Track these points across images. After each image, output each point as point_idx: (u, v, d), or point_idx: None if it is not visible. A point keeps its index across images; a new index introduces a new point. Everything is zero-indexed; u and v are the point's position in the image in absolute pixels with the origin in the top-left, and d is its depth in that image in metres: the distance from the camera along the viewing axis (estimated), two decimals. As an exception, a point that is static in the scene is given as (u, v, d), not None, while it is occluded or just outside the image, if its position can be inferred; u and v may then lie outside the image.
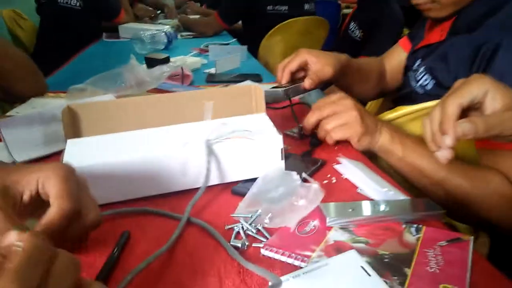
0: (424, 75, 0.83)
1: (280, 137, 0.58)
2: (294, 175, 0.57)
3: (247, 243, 0.47)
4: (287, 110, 0.88)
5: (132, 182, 0.55)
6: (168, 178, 0.56)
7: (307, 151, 0.72)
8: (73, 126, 0.64)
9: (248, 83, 1.22)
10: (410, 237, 0.48)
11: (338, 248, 0.46)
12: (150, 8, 2.90)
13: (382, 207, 0.52)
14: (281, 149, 0.59)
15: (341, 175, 0.64)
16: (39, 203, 0.38)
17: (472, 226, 0.72)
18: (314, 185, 0.55)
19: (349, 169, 0.64)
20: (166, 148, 0.56)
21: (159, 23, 2.53)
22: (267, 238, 0.48)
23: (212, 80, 1.29)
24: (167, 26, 2.07)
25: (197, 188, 0.57)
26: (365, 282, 0.40)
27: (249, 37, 2.33)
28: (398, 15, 2.11)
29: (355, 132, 0.69)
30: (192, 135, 0.60)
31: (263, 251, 0.46)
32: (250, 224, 0.50)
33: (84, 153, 0.56)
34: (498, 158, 0.64)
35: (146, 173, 0.55)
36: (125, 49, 1.89)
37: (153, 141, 0.59)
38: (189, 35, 2.30)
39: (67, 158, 0.55)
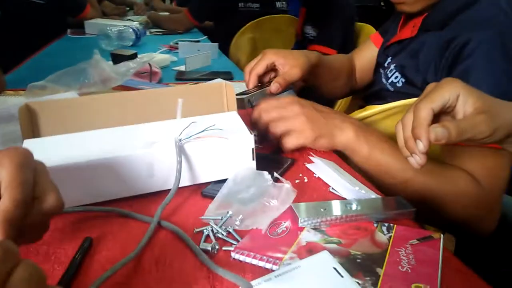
0: (394, 72, 0.83)
1: (251, 137, 0.57)
2: (266, 174, 0.56)
3: (217, 247, 0.45)
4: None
5: (94, 185, 0.52)
6: (133, 180, 0.53)
7: (276, 149, 0.70)
8: (32, 126, 0.61)
9: (218, 81, 1.20)
10: (381, 236, 0.48)
11: (310, 249, 0.45)
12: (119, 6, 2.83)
13: (354, 206, 0.51)
14: (253, 149, 0.57)
15: (313, 174, 0.63)
16: None
17: (438, 228, 0.72)
18: (286, 185, 0.54)
19: (321, 168, 0.63)
20: (131, 148, 0.54)
21: (128, 20, 2.46)
22: (238, 241, 0.47)
23: (181, 77, 1.27)
24: (135, 22, 2.02)
25: (165, 191, 0.55)
26: (337, 283, 0.40)
27: (220, 34, 2.31)
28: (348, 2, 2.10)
29: (307, 138, 0.67)
30: (160, 134, 0.57)
31: (233, 255, 0.44)
32: (220, 227, 0.48)
33: (41, 154, 0.52)
34: (464, 156, 0.65)
35: (109, 175, 0.52)
36: (90, 46, 1.81)
37: (117, 141, 0.56)
38: (158, 31, 2.25)
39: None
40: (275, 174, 0.57)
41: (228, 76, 1.29)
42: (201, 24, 2.31)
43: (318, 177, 0.62)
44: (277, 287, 0.39)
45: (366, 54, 1.09)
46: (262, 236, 0.48)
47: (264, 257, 0.43)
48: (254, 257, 0.43)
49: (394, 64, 0.84)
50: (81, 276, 0.41)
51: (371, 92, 0.94)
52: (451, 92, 0.48)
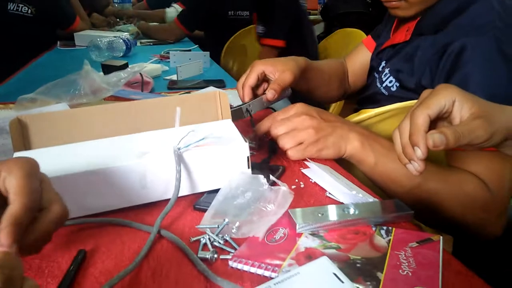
0: (389, 76, 0.83)
1: (246, 145, 0.56)
2: (261, 178, 0.55)
3: (215, 255, 0.44)
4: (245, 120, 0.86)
5: (86, 197, 0.51)
6: (127, 191, 0.53)
7: (266, 158, 0.70)
8: (23, 139, 0.60)
9: (211, 89, 1.20)
10: (380, 240, 0.47)
11: (309, 255, 0.44)
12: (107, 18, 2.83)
13: (352, 211, 0.51)
14: (248, 157, 0.57)
15: (309, 179, 0.63)
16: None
17: (442, 230, 0.72)
18: (283, 188, 0.53)
19: (317, 173, 0.63)
20: (123, 159, 0.53)
21: (117, 30, 2.46)
22: (235, 249, 0.46)
23: (173, 87, 1.26)
24: (126, 33, 2.01)
25: (158, 202, 0.54)
26: (338, 289, 0.39)
27: (210, 43, 2.31)
28: None
29: (312, 150, 0.67)
30: (153, 144, 0.57)
31: (231, 263, 0.44)
32: (217, 235, 0.48)
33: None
34: (471, 160, 0.65)
35: (102, 187, 0.51)
36: (81, 57, 1.79)
37: (110, 152, 0.55)
38: (149, 42, 2.24)
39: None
40: (272, 178, 0.57)
41: (220, 84, 1.29)
42: (192, 33, 2.30)
43: (315, 182, 0.62)
44: (277, 295, 0.38)
45: (358, 58, 1.09)
46: (260, 243, 0.47)
47: (263, 265, 0.43)
48: (253, 265, 0.43)
49: (389, 68, 0.84)
50: (75, 291, 0.40)
51: (365, 96, 0.94)
52: (447, 98, 0.48)
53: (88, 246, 0.47)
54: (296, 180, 0.63)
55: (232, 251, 0.46)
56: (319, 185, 0.61)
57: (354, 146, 0.67)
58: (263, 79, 0.83)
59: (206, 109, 0.68)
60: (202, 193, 0.57)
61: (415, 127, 0.48)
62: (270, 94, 0.77)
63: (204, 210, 0.52)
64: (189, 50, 1.92)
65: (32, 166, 0.36)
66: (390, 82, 0.83)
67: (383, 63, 0.89)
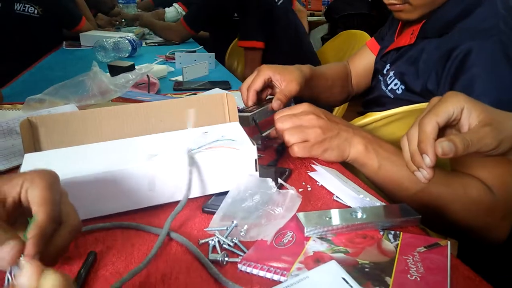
0: (394, 79, 0.83)
1: (254, 148, 0.57)
2: (270, 181, 0.55)
3: (226, 258, 0.44)
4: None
5: (96, 199, 0.52)
6: (136, 193, 0.53)
7: (273, 160, 0.70)
8: (33, 140, 0.60)
9: (216, 90, 1.21)
10: (388, 244, 0.47)
11: (318, 259, 0.45)
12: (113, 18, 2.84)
13: (359, 215, 0.51)
14: (255, 159, 0.57)
15: (316, 182, 0.63)
16: (18, 212, 0.36)
17: (446, 235, 0.72)
18: (291, 191, 0.53)
19: (324, 176, 0.63)
20: (133, 161, 0.53)
21: (123, 31, 2.47)
22: (244, 252, 0.46)
23: (179, 88, 1.26)
24: (131, 34, 2.02)
25: (166, 204, 0.54)
26: (347, 293, 0.39)
27: (215, 44, 2.31)
28: None
29: (318, 150, 0.67)
30: (162, 146, 0.57)
31: (240, 266, 0.44)
32: (226, 238, 0.48)
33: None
34: (475, 164, 0.65)
35: (111, 189, 0.52)
36: (87, 58, 1.82)
37: (119, 154, 0.56)
38: (154, 42, 2.25)
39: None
40: (280, 181, 0.57)
41: (226, 85, 1.29)
42: (197, 33, 2.31)
43: (322, 185, 0.62)
44: (286, 299, 0.38)
45: (362, 61, 1.09)
46: (268, 246, 0.47)
47: (272, 269, 0.43)
48: (262, 269, 0.43)
49: (393, 71, 0.84)
50: (87, 292, 0.41)
51: (370, 98, 0.94)
52: (455, 106, 0.48)
53: (97, 248, 0.47)
54: (303, 183, 0.63)
55: (241, 254, 0.46)
56: (326, 189, 0.61)
57: (358, 149, 0.67)
58: (268, 84, 0.83)
59: (213, 112, 0.69)
60: (210, 196, 0.57)
61: (424, 135, 0.48)
62: (276, 104, 0.78)
63: (213, 213, 0.53)
64: (194, 51, 1.93)
65: (53, 178, 0.37)
66: (395, 85, 0.83)
67: (387, 66, 0.89)
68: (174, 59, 1.63)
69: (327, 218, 0.51)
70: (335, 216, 0.51)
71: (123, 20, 2.77)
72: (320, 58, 2.06)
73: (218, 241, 0.48)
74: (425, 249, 0.46)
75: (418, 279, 0.41)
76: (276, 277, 0.42)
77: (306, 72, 0.87)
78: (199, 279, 0.43)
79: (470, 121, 0.48)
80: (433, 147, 0.47)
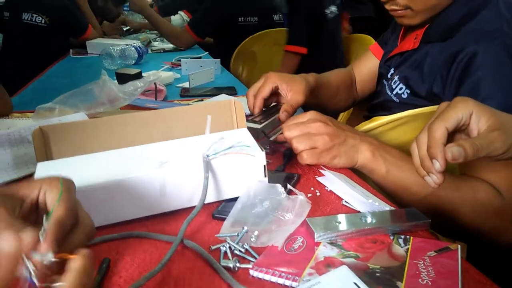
0: (398, 84, 0.83)
1: (263, 154, 0.57)
2: (279, 187, 0.56)
3: (238, 264, 0.45)
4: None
5: (106, 206, 0.52)
6: (148, 200, 0.54)
7: (281, 165, 0.71)
8: (45, 148, 0.61)
9: (223, 96, 1.21)
10: (399, 249, 0.48)
11: (329, 264, 0.45)
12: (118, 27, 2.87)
13: (369, 219, 0.51)
14: (264, 165, 0.58)
15: (325, 187, 0.63)
16: (34, 216, 0.37)
17: (454, 238, 0.72)
18: (300, 197, 0.54)
19: (333, 181, 0.63)
20: (144, 168, 0.54)
21: (130, 38, 2.50)
22: (255, 258, 0.47)
23: (186, 94, 1.28)
24: (137, 41, 2.04)
25: (178, 210, 0.55)
26: (359, 298, 0.39)
27: (220, 49, 2.32)
28: None
29: (326, 157, 0.67)
30: (173, 153, 0.58)
31: (252, 272, 0.44)
32: (237, 243, 0.48)
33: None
34: (483, 167, 0.65)
35: (123, 196, 0.52)
36: (93, 65, 1.84)
37: (130, 162, 0.57)
38: (160, 49, 2.27)
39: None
40: (289, 186, 0.57)
41: (232, 91, 1.30)
42: (203, 40, 2.32)
43: (330, 190, 0.62)
44: (298, 304, 0.39)
45: (366, 66, 1.09)
46: (279, 252, 0.48)
47: (283, 274, 0.43)
48: (273, 274, 0.43)
49: (398, 76, 0.84)
50: (101, 299, 0.41)
51: (375, 103, 0.95)
52: (464, 111, 0.49)
53: (111, 256, 0.48)
54: (312, 188, 0.63)
55: (252, 259, 0.46)
56: (335, 194, 0.61)
57: (366, 156, 0.68)
58: (274, 92, 0.84)
59: (221, 118, 0.69)
60: (220, 202, 0.58)
61: (433, 140, 0.48)
62: (283, 116, 0.79)
63: (223, 219, 0.53)
64: (200, 57, 1.94)
65: (70, 183, 0.38)
66: (401, 89, 0.83)
67: (391, 71, 0.90)
68: (180, 65, 1.64)
69: (337, 223, 0.51)
70: (345, 221, 0.52)
71: (127, 28, 2.80)
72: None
73: (229, 247, 0.48)
74: (435, 253, 0.46)
75: (430, 283, 0.42)
76: (288, 283, 0.43)
77: (311, 81, 0.88)
78: (212, 284, 0.43)
79: (479, 126, 0.48)
80: (443, 152, 0.47)
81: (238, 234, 0.50)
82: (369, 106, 0.99)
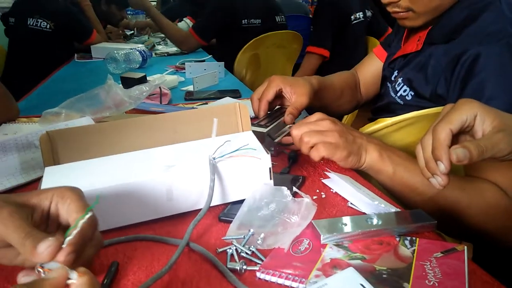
0: (402, 86, 0.84)
1: (268, 156, 0.58)
2: (285, 190, 0.56)
3: (244, 266, 0.45)
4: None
5: (113, 210, 0.53)
6: (155, 203, 0.54)
7: (285, 168, 0.71)
8: (52, 153, 0.62)
9: (227, 99, 1.22)
10: (405, 250, 0.48)
11: (335, 266, 0.45)
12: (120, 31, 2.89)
13: (375, 221, 0.52)
14: (270, 168, 0.58)
15: (330, 189, 0.64)
16: (44, 225, 0.38)
17: (460, 239, 0.72)
18: (306, 200, 0.54)
19: (338, 183, 0.63)
20: (151, 172, 0.54)
21: (134, 42, 2.51)
22: (262, 260, 0.47)
23: (190, 98, 1.28)
24: (141, 45, 2.05)
25: (184, 213, 0.55)
26: (366, 300, 0.39)
27: (223, 52, 2.33)
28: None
29: (341, 154, 0.65)
30: (179, 157, 0.58)
31: (259, 274, 0.45)
32: (243, 246, 0.49)
33: (63, 182, 0.53)
34: (489, 168, 0.65)
35: (130, 200, 0.53)
36: (98, 69, 1.86)
37: (136, 165, 0.57)
38: (163, 53, 2.28)
39: (45, 187, 0.52)
40: (294, 189, 0.58)
41: (236, 94, 1.30)
42: (208, 43, 2.32)
43: (336, 192, 0.63)
44: (305, 306, 0.39)
45: (370, 68, 1.10)
46: (285, 254, 0.48)
47: (290, 276, 0.44)
48: (280, 276, 0.44)
49: (401, 78, 0.85)
50: (110, 302, 0.42)
51: (380, 106, 0.95)
52: (468, 113, 0.49)
53: (118, 259, 0.48)
54: (317, 190, 0.64)
55: (259, 262, 0.47)
56: (340, 195, 0.62)
57: (373, 156, 0.67)
58: (278, 95, 0.84)
59: (226, 121, 0.70)
60: (225, 205, 0.58)
61: (438, 142, 0.48)
62: (289, 119, 0.79)
63: (229, 222, 0.54)
64: (203, 61, 1.95)
65: (81, 192, 0.39)
66: (405, 91, 0.83)
67: (395, 73, 0.90)
68: (184, 69, 1.65)
69: (343, 225, 0.51)
70: (351, 223, 0.52)
71: (132, 31, 2.82)
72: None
73: (236, 250, 0.48)
74: (442, 254, 0.46)
75: (436, 284, 0.42)
76: (294, 285, 0.43)
77: (315, 83, 0.88)
78: (219, 287, 0.44)
79: (483, 127, 0.49)
80: (447, 154, 0.47)
81: (244, 236, 0.50)
82: (373, 109, 1.00)
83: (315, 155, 0.65)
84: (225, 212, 0.57)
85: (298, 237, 0.50)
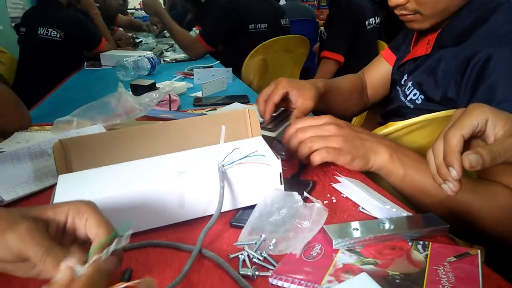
0: (412, 90, 0.83)
1: (278, 161, 0.58)
2: (296, 195, 0.56)
3: (257, 272, 0.45)
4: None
5: (129, 216, 0.53)
6: (167, 210, 0.54)
7: (296, 173, 0.71)
8: (65, 161, 0.63)
9: (236, 105, 1.22)
10: (418, 255, 0.48)
11: (348, 271, 0.45)
12: (129, 35, 2.92)
13: (387, 226, 0.51)
14: (280, 173, 0.58)
15: (341, 194, 0.64)
16: (59, 238, 0.39)
17: (473, 242, 0.71)
18: (317, 205, 0.54)
19: (349, 188, 0.63)
20: (162, 179, 0.55)
21: (141, 49, 2.54)
22: (274, 266, 0.47)
23: (199, 104, 1.29)
24: (149, 52, 2.07)
25: (196, 219, 0.56)
26: (379, 305, 0.39)
27: (230, 57, 2.34)
28: (351, 3, 2.14)
29: (347, 157, 0.66)
30: (191, 163, 0.59)
31: (271, 280, 0.45)
32: (255, 252, 0.49)
33: (77, 189, 0.54)
34: (501, 171, 0.64)
35: (142, 207, 0.53)
36: (107, 77, 1.88)
37: (148, 172, 0.58)
38: (171, 60, 2.30)
39: (59, 194, 0.53)
40: (305, 194, 0.58)
41: (244, 99, 1.31)
42: (215, 49, 2.34)
43: (347, 197, 0.62)
44: (318, 312, 0.39)
45: (378, 71, 1.09)
46: (297, 260, 0.48)
47: (303, 282, 0.44)
48: (293, 282, 0.44)
49: (411, 82, 0.84)
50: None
51: (390, 109, 0.95)
52: (479, 118, 0.48)
53: (131, 265, 0.49)
54: (328, 195, 0.64)
55: (271, 267, 0.47)
56: (351, 200, 0.62)
57: (383, 158, 0.67)
58: (284, 97, 0.85)
59: (236, 127, 0.70)
60: (237, 210, 0.59)
61: (449, 148, 0.48)
62: None
63: (241, 227, 0.54)
64: (211, 67, 1.96)
65: (95, 205, 0.40)
66: (415, 95, 0.83)
67: (405, 77, 0.90)
68: (193, 75, 1.66)
69: (355, 230, 0.51)
70: (363, 227, 0.52)
71: (139, 40, 2.84)
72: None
73: (248, 255, 0.49)
74: (455, 258, 0.46)
75: (450, 289, 0.41)
76: (307, 290, 0.43)
77: (321, 87, 0.89)
78: (232, 293, 0.44)
79: (495, 132, 0.48)
80: (459, 160, 0.47)
81: (256, 242, 0.50)
82: (383, 113, 0.99)
83: (317, 159, 0.66)
84: (236, 218, 0.57)
85: (310, 242, 0.50)
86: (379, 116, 1.02)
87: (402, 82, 0.89)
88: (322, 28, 2.41)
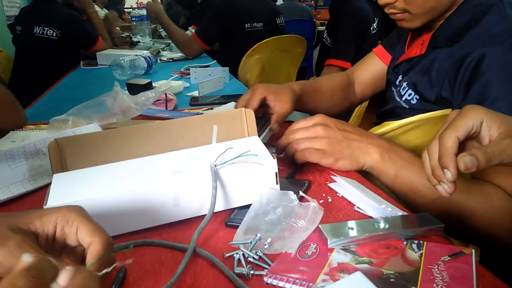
0: (407, 90, 0.84)
1: (274, 161, 0.58)
2: (291, 194, 0.56)
3: (252, 271, 0.45)
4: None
5: (120, 216, 0.53)
6: (161, 209, 0.54)
7: (291, 172, 0.71)
8: (60, 160, 0.62)
9: (232, 104, 1.22)
10: (412, 254, 0.48)
11: (342, 270, 0.45)
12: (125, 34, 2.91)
13: (382, 225, 0.51)
14: (276, 173, 0.58)
15: (336, 193, 0.64)
16: (48, 248, 0.38)
17: (466, 242, 0.71)
18: (313, 204, 0.54)
19: (344, 187, 0.63)
20: (157, 178, 0.55)
21: (138, 48, 2.53)
22: (269, 265, 0.47)
23: (196, 103, 1.29)
24: (146, 51, 2.07)
25: (191, 219, 0.56)
26: (374, 304, 0.39)
27: (227, 57, 2.34)
28: (359, 10, 2.15)
29: (329, 159, 0.68)
30: (186, 163, 0.59)
31: (266, 279, 0.45)
32: (250, 251, 0.49)
33: (71, 188, 0.54)
34: (495, 171, 0.64)
35: (137, 206, 0.53)
36: (104, 76, 1.87)
37: (143, 172, 0.58)
38: (168, 59, 2.30)
39: (53, 194, 0.53)
40: (301, 193, 0.58)
41: (241, 99, 1.31)
42: (211, 47, 2.34)
43: (342, 196, 0.63)
44: (313, 311, 0.39)
45: (369, 68, 1.10)
46: (293, 259, 0.48)
47: (298, 281, 0.44)
48: (288, 281, 0.44)
49: (406, 82, 0.85)
50: (119, 308, 0.42)
51: (385, 110, 0.95)
52: (474, 120, 0.49)
53: (125, 265, 0.49)
54: (323, 195, 0.64)
55: (266, 266, 0.47)
56: (347, 199, 0.62)
57: (374, 158, 0.68)
58: (261, 103, 0.86)
59: (232, 127, 0.70)
60: (232, 210, 0.59)
61: (444, 150, 0.48)
62: (275, 127, 0.84)
63: (236, 227, 0.54)
64: (208, 66, 1.96)
65: (84, 211, 0.39)
66: (410, 95, 0.84)
67: (399, 77, 0.90)
68: (189, 74, 1.66)
69: (350, 229, 0.51)
70: (358, 227, 0.52)
71: (138, 40, 2.84)
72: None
73: (243, 255, 0.49)
74: (449, 257, 0.46)
75: (444, 288, 0.42)
76: (302, 289, 0.43)
77: (297, 90, 0.92)
78: (227, 292, 0.44)
79: (490, 134, 0.48)
80: (454, 162, 0.47)
81: (251, 241, 0.50)
82: (379, 113, 1.00)
83: (300, 158, 0.69)
84: (231, 217, 0.57)
85: (305, 242, 0.51)
86: (375, 116, 1.02)
87: (397, 83, 0.90)
88: (325, 34, 2.40)
